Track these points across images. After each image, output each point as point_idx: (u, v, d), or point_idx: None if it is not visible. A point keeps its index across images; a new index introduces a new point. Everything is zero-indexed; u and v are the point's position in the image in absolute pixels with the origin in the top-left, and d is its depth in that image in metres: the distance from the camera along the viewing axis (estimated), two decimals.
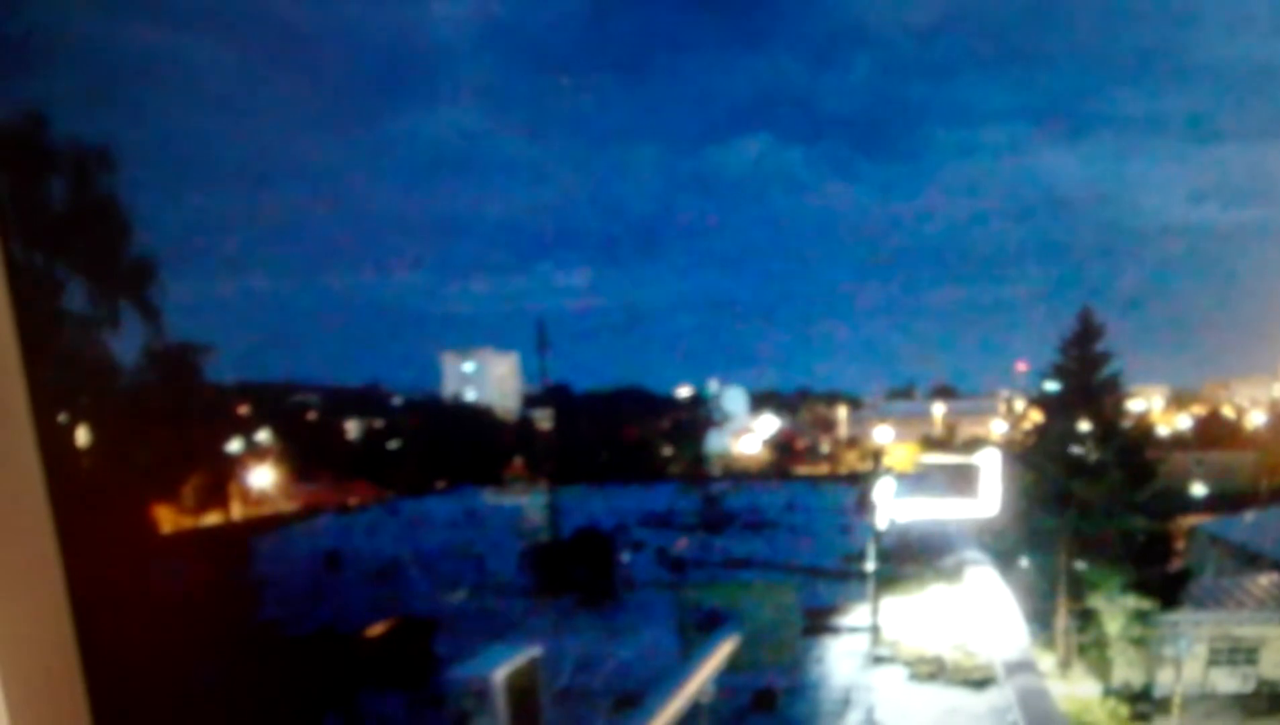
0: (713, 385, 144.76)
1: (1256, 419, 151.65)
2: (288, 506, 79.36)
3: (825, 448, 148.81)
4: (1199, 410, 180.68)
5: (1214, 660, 44.16)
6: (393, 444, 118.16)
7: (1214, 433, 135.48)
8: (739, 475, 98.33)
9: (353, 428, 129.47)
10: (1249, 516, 65.39)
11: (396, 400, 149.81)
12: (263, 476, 78.49)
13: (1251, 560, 55.05)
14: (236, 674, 19.06)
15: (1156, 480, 48.62)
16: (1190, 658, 43.11)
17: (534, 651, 13.31)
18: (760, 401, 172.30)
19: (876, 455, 34.64)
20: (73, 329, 20.81)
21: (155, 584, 17.34)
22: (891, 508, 31.04)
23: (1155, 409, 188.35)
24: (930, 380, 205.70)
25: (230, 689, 18.61)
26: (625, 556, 41.34)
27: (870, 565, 30.28)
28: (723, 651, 19.10)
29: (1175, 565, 48.23)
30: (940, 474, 35.30)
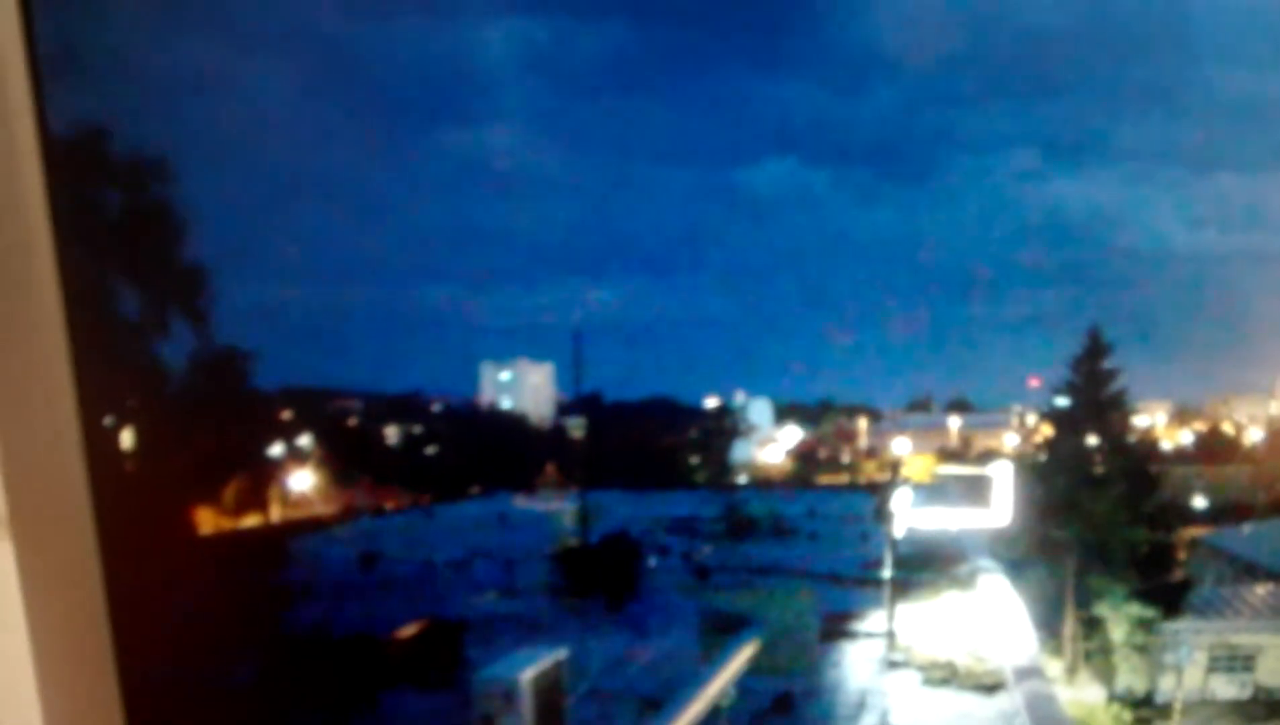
0: (738, 396, 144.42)
1: (1254, 435, 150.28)
2: (326, 510, 79.46)
3: (846, 458, 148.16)
4: (1200, 426, 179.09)
5: (1214, 667, 43.80)
6: (430, 450, 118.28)
7: (1214, 448, 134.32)
8: (762, 484, 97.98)
9: (392, 434, 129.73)
10: (1247, 529, 64.83)
11: (435, 407, 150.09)
12: (302, 480, 78.61)
13: (1249, 571, 54.56)
14: (269, 672, 19.04)
15: (1160, 493, 48.34)
16: (1191, 665, 42.75)
17: (560, 654, 13.24)
18: (784, 412, 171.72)
19: (895, 466, 34.52)
20: (123, 333, 20.90)
21: (193, 583, 17.34)
22: (908, 517, 30.87)
23: (1159, 424, 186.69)
24: (947, 394, 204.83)
25: (263, 686, 18.59)
26: (651, 562, 41.21)
27: (887, 572, 30.10)
28: (743, 655, 18.99)
29: (1177, 575, 47.83)
30: (955, 485, 35.15)
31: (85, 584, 1.98)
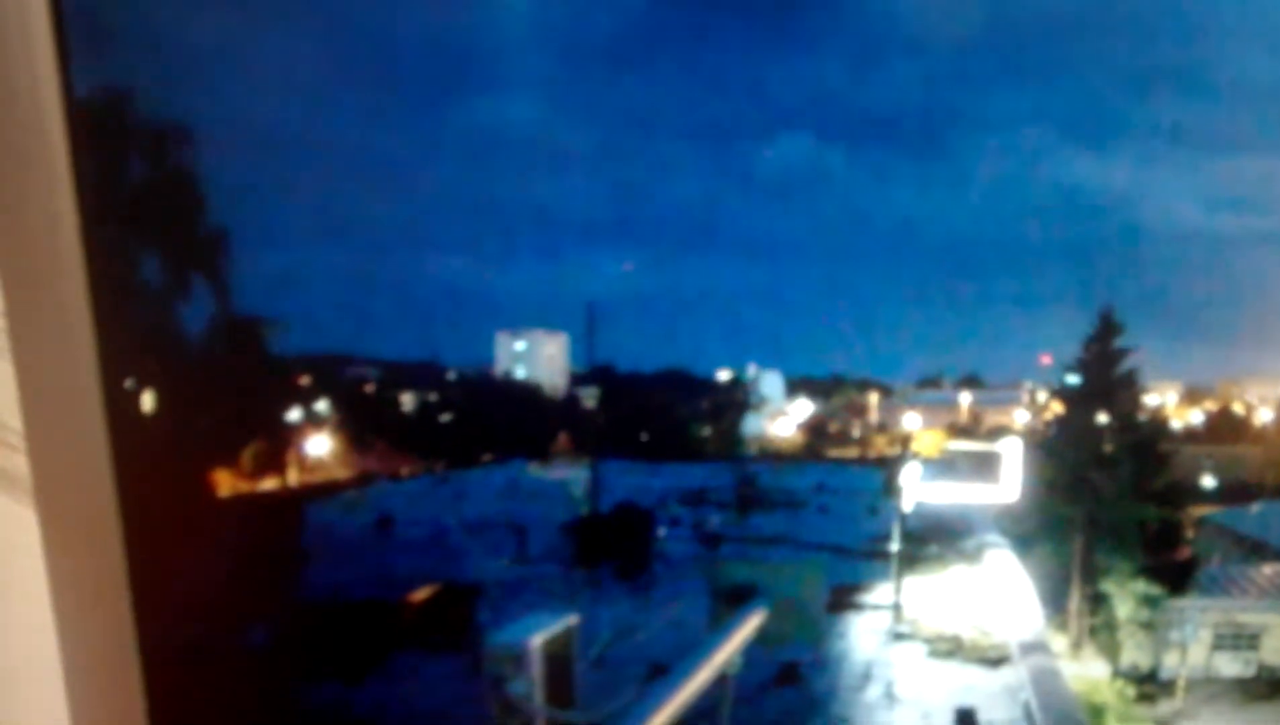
0: (750, 369, 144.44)
1: (1265, 416, 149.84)
2: (342, 474, 79.84)
3: (856, 432, 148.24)
4: (1211, 406, 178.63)
5: (1218, 645, 43.85)
6: (445, 417, 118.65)
7: (1224, 428, 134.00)
8: (773, 457, 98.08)
9: (408, 401, 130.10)
10: (1255, 508, 64.77)
11: (451, 375, 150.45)
12: (320, 445, 78.93)
13: (1256, 550, 54.53)
14: (285, 634, 19.18)
15: (1168, 472, 48.28)
16: (1196, 642, 42.80)
17: (571, 620, 13.27)
18: (795, 386, 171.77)
19: (904, 441, 34.48)
20: (144, 298, 20.98)
21: (212, 546, 17.47)
22: (917, 491, 30.85)
23: (1169, 404, 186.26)
24: (958, 370, 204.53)
25: (279, 648, 18.74)
26: (662, 531, 41.32)
27: (894, 546, 30.13)
28: (751, 624, 19.06)
29: (1184, 554, 47.83)
30: (965, 460, 35.09)
31: (107, 550, 1.99)
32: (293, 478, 61.90)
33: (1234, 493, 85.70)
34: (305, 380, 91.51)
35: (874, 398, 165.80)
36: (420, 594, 27.27)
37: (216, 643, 16.66)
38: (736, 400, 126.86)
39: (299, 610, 20.42)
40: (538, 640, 13.51)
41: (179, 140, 21.54)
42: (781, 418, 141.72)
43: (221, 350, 22.56)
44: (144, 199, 21.14)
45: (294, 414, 76.12)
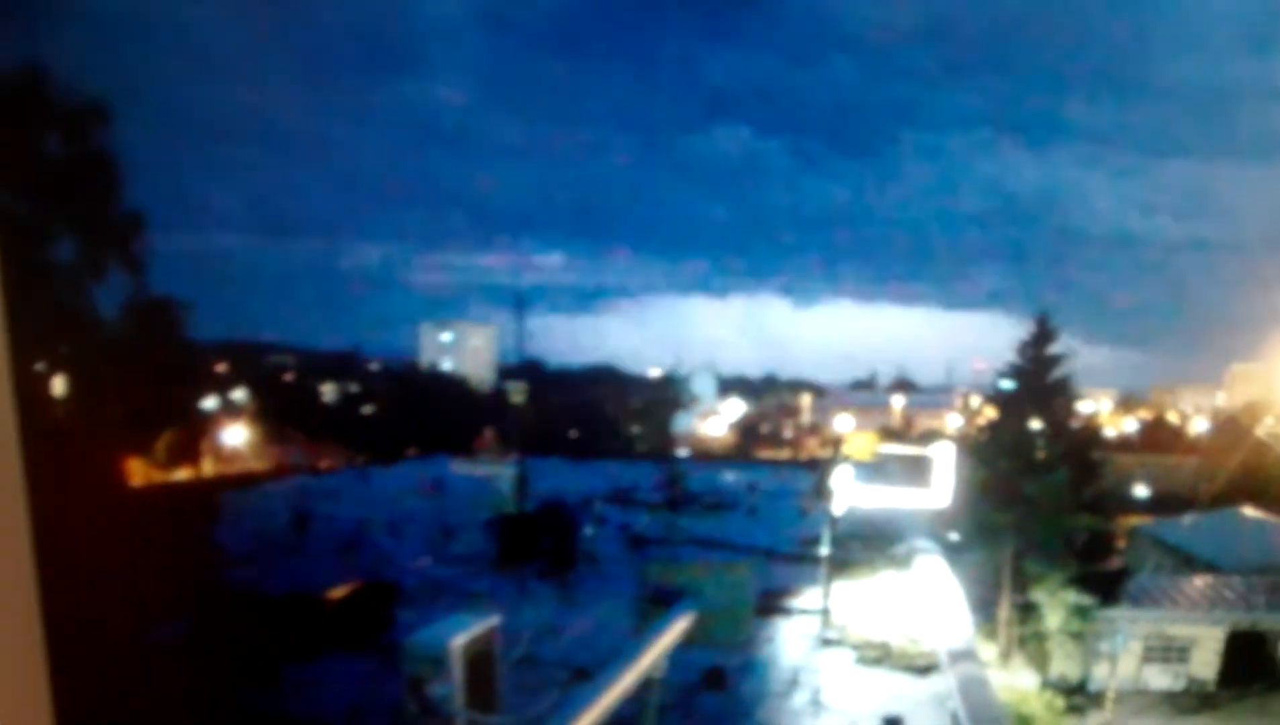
0: (682, 367, 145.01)
1: (1199, 426, 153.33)
2: (260, 466, 78.83)
3: (788, 433, 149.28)
4: (1145, 414, 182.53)
5: (1148, 657, 44.65)
6: (367, 409, 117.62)
7: (1158, 437, 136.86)
8: (703, 456, 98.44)
9: (329, 391, 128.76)
10: (1187, 520, 66.14)
11: (373, 366, 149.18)
12: (236, 435, 77.85)
13: (1188, 562, 55.69)
14: (198, 628, 18.93)
15: (1101, 480, 49.09)
16: (1126, 654, 43.57)
17: (493, 620, 13.27)
18: (727, 385, 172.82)
19: (836, 443, 34.73)
20: (56, 279, 20.55)
21: (122, 536, 17.17)
22: (848, 494, 31.14)
23: (1103, 411, 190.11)
24: (891, 373, 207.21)
25: (191, 643, 18.49)
26: (589, 531, 41.32)
27: (825, 549, 30.39)
28: (678, 628, 19.13)
29: (1115, 564, 48.67)
30: (896, 464, 35.48)
31: (13, 539, 1.97)
32: (208, 468, 60.98)
33: (1167, 503, 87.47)
34: (222, 367, 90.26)
35: (807, 398, 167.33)
36: (338, 591, 27.02)
37: (127, 636, 16.39)
38: (668, 398, 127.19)
39: (212, 605, 20.14)
40: (459, 641, 13.61)
41: (96, 119, 21.14)
42: (713, 417, 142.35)
43: (136, 334, 22.17)
44: (58, 178, 20.72)
45: (210, 402, 75.06)
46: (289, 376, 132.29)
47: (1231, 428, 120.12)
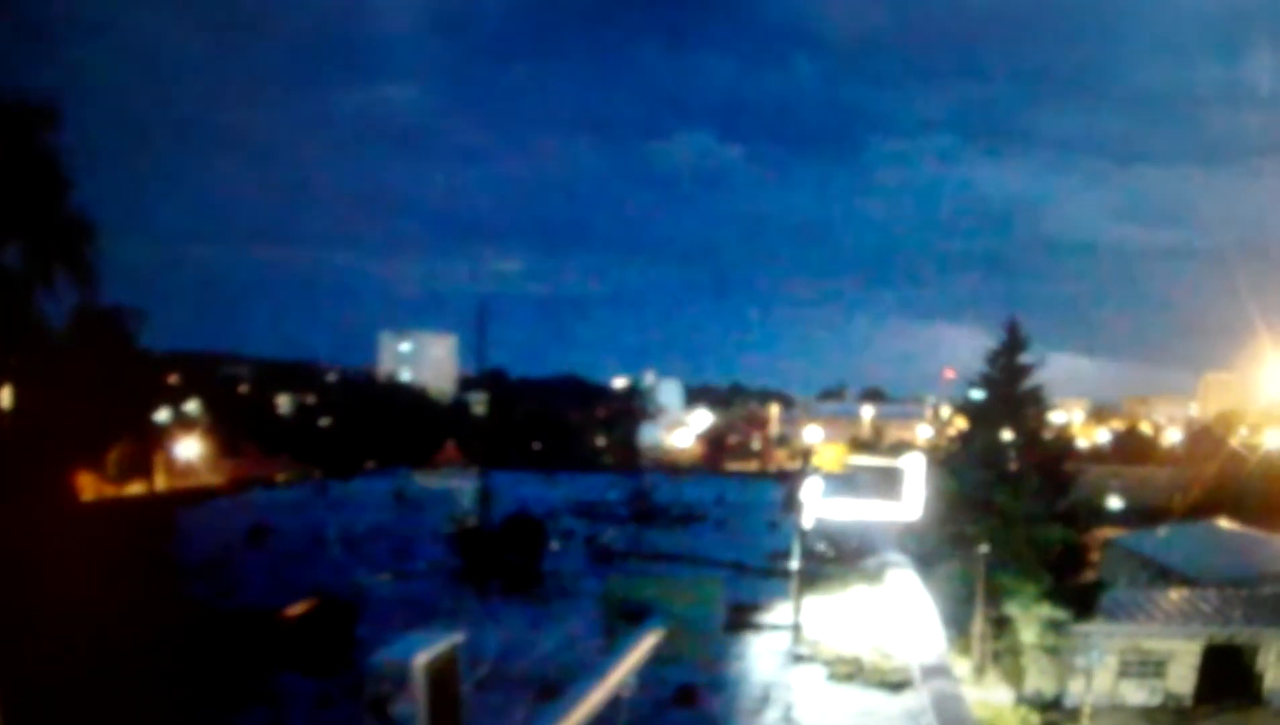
0: (648, 377, 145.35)
1: (1172, 436, 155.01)
2: (214, 480, 78.22)
3: (756, 444, 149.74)
4: (1118, 425, 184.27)
5: (1124, 672, 45.06)
6: (324, 421, 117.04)
7: (1131, 448, 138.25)
8: (671, 468, 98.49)
9: (285, 402, 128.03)
10: (1161, 531, 66.86)
11: (331, 376, 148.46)
12: (189, 448, 77.25)
13: (1163, 574, 56.25)
14: (149, 647, 18.75)
15: (1074, 492, 49.53)
16: (1101, 669, 43.92)
17: (456, 638, 13.21)
18: (695, 395, 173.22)
19: (805, 454, 34.77)
20: (2, 287, 20.35)
21: (71, 551, 17.01)
22: (818, 507, 31.19)
23: (1076, 422, 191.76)
24: (861, 383, 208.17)
25: (142, 662, 18.31)
26: (554, 545, 41.23)
27: (795, 563, 30.44)
28: (646, 645, 19.11)
29: (1090, 576, 49.12)
30: (866, 476, 35.57)
31: None
32: (160, 482, 60.44)
33: (1141, 515, 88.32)
34: (175, 378, 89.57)
35: (775, 409, 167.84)
36: (295, 608, 26.78)
37: (76, 654, 16.21)
38: (633, 409, 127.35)
39: (164, 623, 19.95)
40: (422, 659, 13.60)
41: (42, 122, 20.98)
42: (680, 428, 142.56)
43: (85, 344, 21.98)
44: (2, 182, 20.52)
45: (163, 414, 74.44)
46: (244, 387, 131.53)
47: (1205, 438, 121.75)
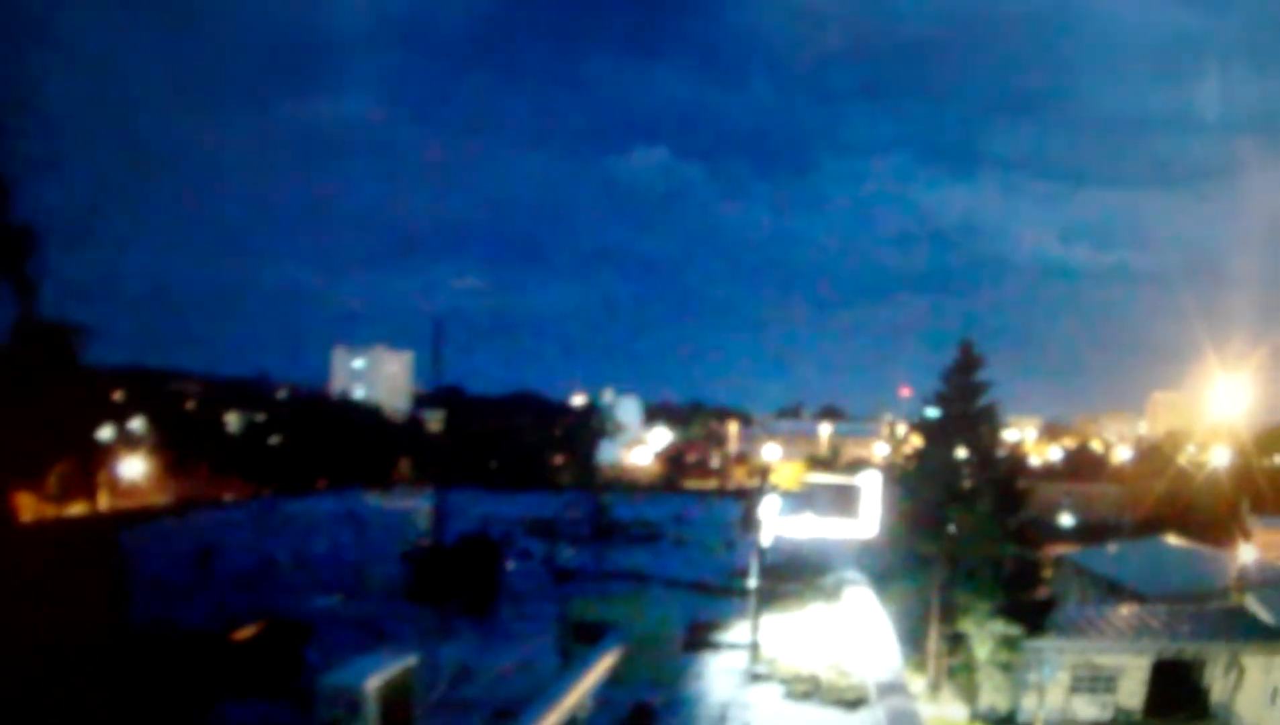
0: (606, 395, 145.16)
1: (1122, 454, 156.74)
2: (160, 499, 77.14)
3: (715, 462, 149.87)
4: (1070, 443, 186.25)
5: (1076, 687, 45.32)
6: (274, 439, 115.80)
7: (1083, 465, 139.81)
8: (629, 486, 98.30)
9: (233, 420, 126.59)
10: (1112, 548, 67.54)
11: (281, 393, 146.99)
12: (134, 467, 76.05)
13: (1113, 591, 56.79)
14: (92, 672, 18.30)
15: (1027, 509, 49.92)
16: (1053, 684, 44.21)
17: (409, 660, 12.98)
18: (653, 413, 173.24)
19: (763, 472, 34.76)
20: None
21: (9, 575, 16.57)
22: (776, 525, 31.14)
23: (1029, 439, 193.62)
24: (818, 401, 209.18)
25: (87, 689, 17.87)
26: (510, 564, 40.92)
27: (753, 581, 30.35)
28: (603, 664, 18.94)
29: (1042, 593, 49.42)
30: (824, 493, 35.56)
31: None
32: (104, 502, 59.43)
33: (1092, 531, 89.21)
34: (120, 395, 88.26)
35: (734, 427, 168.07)
36: (245, 630, 26.34)
37: (16, 680, 15.77)
38: (591, 427, 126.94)
39: (109, 647, 19.48)
40: (374, 681, 13.24)
41: None
42: (639, 446, 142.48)
43: (25, 358, 21.50)
44: None
45: (107, 432, 73.28)
46: (191, 404, 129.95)
47: (1153, 455, 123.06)
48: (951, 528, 44.73)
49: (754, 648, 29.21)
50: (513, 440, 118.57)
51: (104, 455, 62.03)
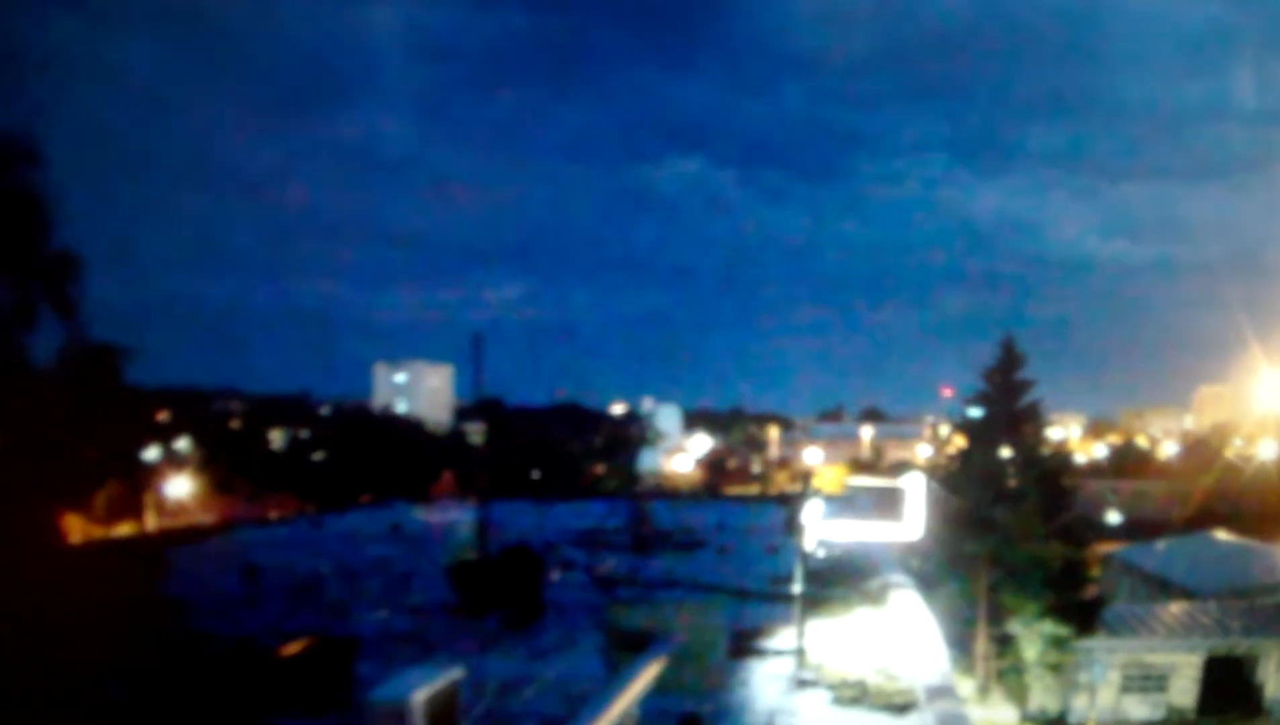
0: (646, 403, 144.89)
1: (1169, 449, 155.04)
2: (206, 518, 77.80)
3: (756, 468, 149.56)
4: (1115, 439, 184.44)
5: (1126, 687, 44.86)
6: (318, 455, 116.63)
7: (1128, 462, 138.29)
8: (671, 494, 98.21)
9: (277, 437, 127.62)
10: (1160, 545, 66.73)
11: (324, 410, 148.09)
12: (180, 486, 76.75)
13: (1162, 588, 56.16)
14: (143, 690, 18.49)
15: (1073, 507, 49.42)
16: (1104, 684, 43.75)
17: (455, 673, 13.00)
18: (693, 420, 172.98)
19: (805, 477, 34.61)
20: None
21: (62, 595, 16.77)
22: (819, 529, 31.00)
23: (1073, 437, 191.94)
24: (859, 403, 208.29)
25: (136, 705, 18.05)
26: (555, 575, 40.97)
27: (797, 587, 30.21)
28: (649, 674, 18.88)
29: (1090, 592, 48.92)
30: (867, 497, 35.35)
31: None
32: (151, 522, 60.04)
33: (1139, 528, 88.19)
34: (165, 415, 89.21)
35: (774, 432, 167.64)
36: (292, 647, 26.50)
37: (69, 698, 15.96)
38: (632, 435, 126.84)
39: (158, 664, 19.68)
40: (421, 695, 13.28)
41: (24, 158, 20.79)
42: (679, 453, 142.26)
43: (72, 383, 21.74)
44: None
45: (153, 452, 74.08)
46: (235, 423, 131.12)
47: (1200, 450, 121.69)
48: (997, 528, 44.38)
49: (800, 653, 29.07)
50: (554, 450, 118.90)
51: (150, 476, 62.71)
